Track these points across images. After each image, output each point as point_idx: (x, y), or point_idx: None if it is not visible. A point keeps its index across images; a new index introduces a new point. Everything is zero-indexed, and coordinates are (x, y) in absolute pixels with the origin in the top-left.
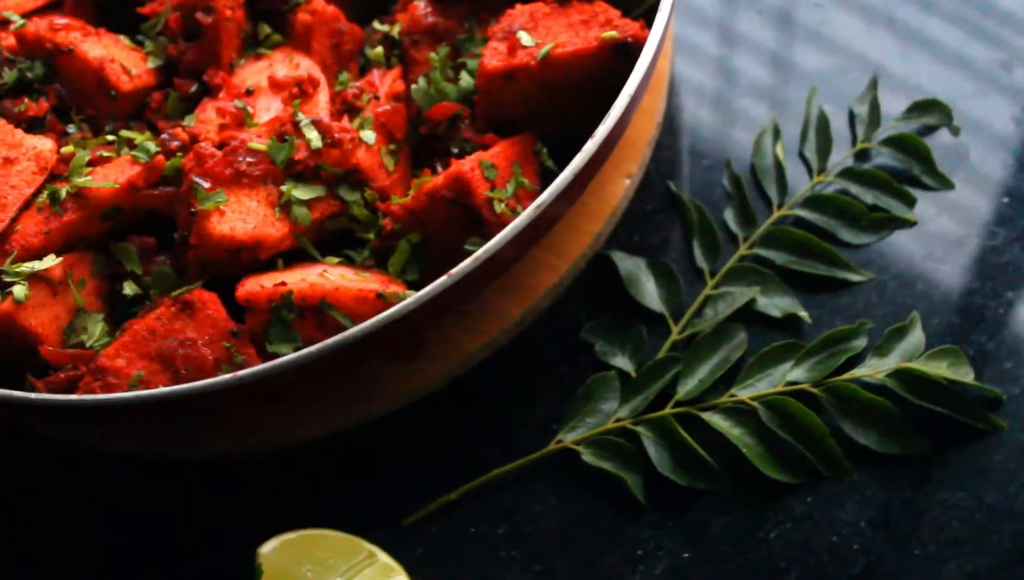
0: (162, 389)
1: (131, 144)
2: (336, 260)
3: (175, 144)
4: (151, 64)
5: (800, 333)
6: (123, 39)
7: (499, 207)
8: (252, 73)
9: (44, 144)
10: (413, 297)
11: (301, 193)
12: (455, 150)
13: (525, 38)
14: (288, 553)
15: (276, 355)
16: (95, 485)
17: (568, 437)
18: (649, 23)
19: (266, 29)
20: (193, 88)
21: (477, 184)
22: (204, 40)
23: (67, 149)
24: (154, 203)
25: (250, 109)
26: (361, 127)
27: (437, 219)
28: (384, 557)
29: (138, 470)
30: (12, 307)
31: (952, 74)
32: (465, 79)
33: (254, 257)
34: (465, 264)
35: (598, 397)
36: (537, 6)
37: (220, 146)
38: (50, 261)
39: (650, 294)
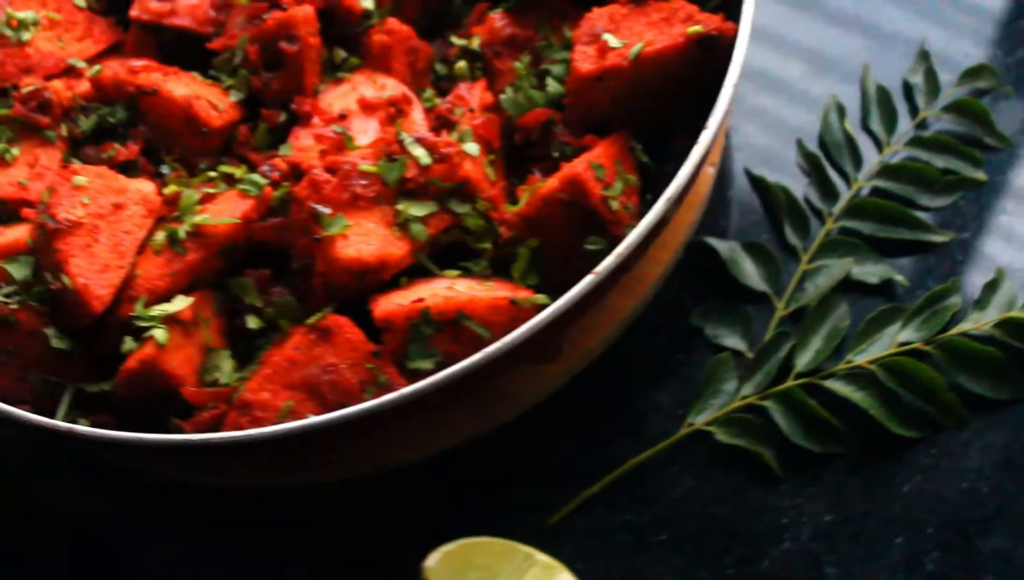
0: (323, 417)
1: (231, 179)
2: (455, 273)
3: (276, 174)
4: (233, 98)
5: (895, 297)
6: (197, 76)
7: (615, 205)
8: (337, 97)
9: (147, 187)
10: (565, 298)
11: (416, 210)
12: (556, 154)
13: (612, 40)
14: (451, 564)
15: (417, 371)
16: (228, 518)
17: (698, 420)
18: (726, 15)
19: (341, 53)
20: (282, 118)
21: (592, 184)
22: (289, 69)
23: (170, 189)
24: (265, 235)
25: (349, 133)
26: (461, 140)
27: (553, 223)
28: (542, 557)
29: (268, 500)
30: (156, 351)
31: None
32: (552, 85)
33: (378, 278)
34: (608, 262)
35: (719, 378)
36: (615, 8)
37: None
38: (182, 302)
39: (751, 274)
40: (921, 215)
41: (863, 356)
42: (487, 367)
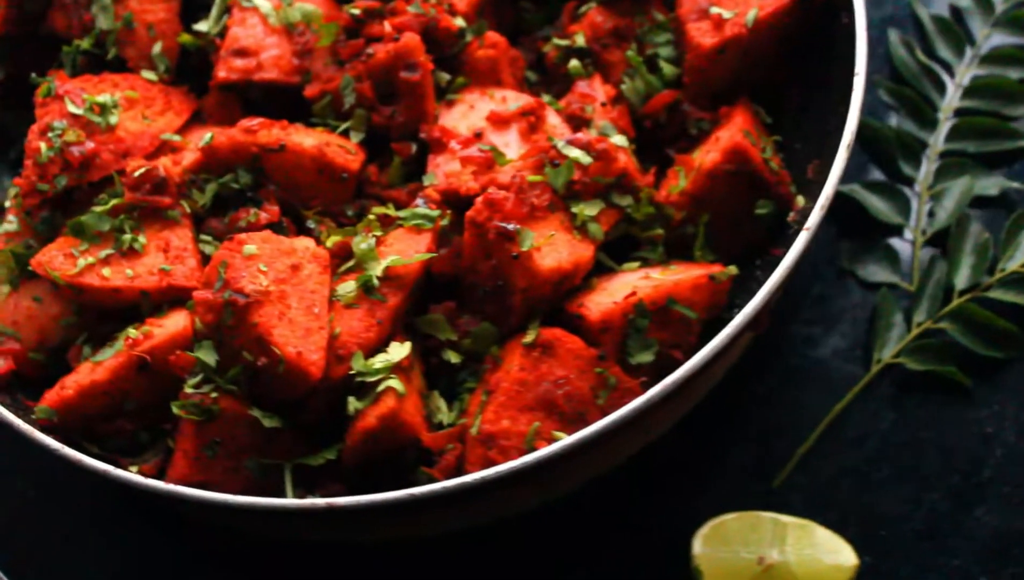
0: (597, 425)
1: (387, 220)
2: (635, 265)
3: (433, 205)
4: (355, 139)
5: (1015, 204)
6: (301, 126)
7: (774, 165)
8: (457, 119)
9: (310, 243)
10: (787, 261)
11: (589, 210)
12: (693, 131)
13: (724, 12)
14: (714, 545)
15: (640, 366)
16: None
17: (885, 354)
18: None
19: (444, 75)
20: (413, 149)
21: (752, 150)
22: (411, 98)
23: (332, 241)
24: (442, 267)
25: (499, 149)
26: (605, 135)
27: (718, 196)
28: (787, 518)
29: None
30: (396, 403)
31: None
32: (665, 67)
33: (572, 283)
34: (814, 220)
35: (887, 313)
36: None
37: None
38: (400, 349)
39: (882, 210)
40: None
41: (1014, 262)
42: (726, 347)
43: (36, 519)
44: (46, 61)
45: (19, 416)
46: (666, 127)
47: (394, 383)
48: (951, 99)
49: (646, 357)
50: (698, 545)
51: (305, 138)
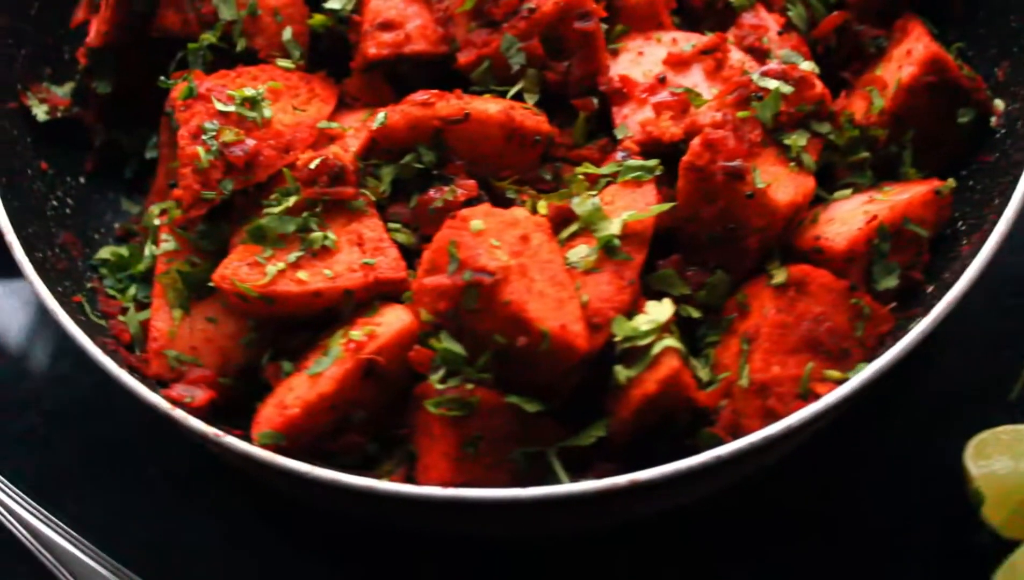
0: (893, 351)
1: (592, 179)
2: (847, 192)
3: (636, 156)
4: (530, 100)
5: None
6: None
7: (967, 72)
8: (626, 68)
9: (522, 212)
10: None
11: (800, 140)
12: (872, 50)
13: None
14: (985, 463)
15: (887, 291)
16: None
17: None
18: None
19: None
20: (596, 103)
21: (949, 58)
22: (587, 49)
23: (542, 206)
24: (660, 218)
25: (694, 90)
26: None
27: (920, 111)
28: None
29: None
30: (679, 364)
31: None
32: None
33: (801, 217)
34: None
35: None
36: None
37: (686, 138)
38: (664, 308)
39: None
40: None
41: None
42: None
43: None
44: (154, 69)
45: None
46: (837, 50)
47: (672, 342)
48: None
49: (891, 281)
50: (972, 465)
51: (488, 105)
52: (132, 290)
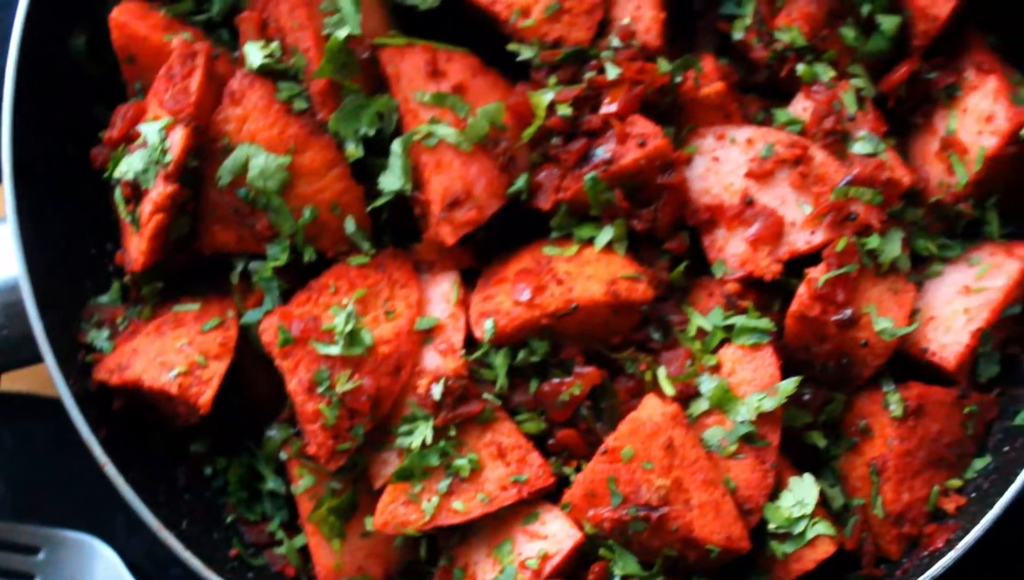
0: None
1: (701, 335)
2: (940, 267)
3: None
4: (620, 250)
5: None
6: None
7: None
8: (703, 178)
9: (656, 403)
10: None
11: (894, 249)
12: (945, 102)
13: None
14: None
15: (989, 381)
16: None
17: None
18: None
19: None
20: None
21: None
22: (672, 195)
23: (663, 376)
24: None
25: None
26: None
27: (1002, 176)
28: None
29: None
30: (834, 546)
31: None
32: (884, 22)
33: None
34: None
35: None
36: None
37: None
38: (811, 490)
39: None
40: None
41: None
42: None
43: None
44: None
45: None
46: (907, 100)
47: (824, 528)
48: None
49: (993, 370)
50: None
51: (590, 285)
52: (276, 521)
